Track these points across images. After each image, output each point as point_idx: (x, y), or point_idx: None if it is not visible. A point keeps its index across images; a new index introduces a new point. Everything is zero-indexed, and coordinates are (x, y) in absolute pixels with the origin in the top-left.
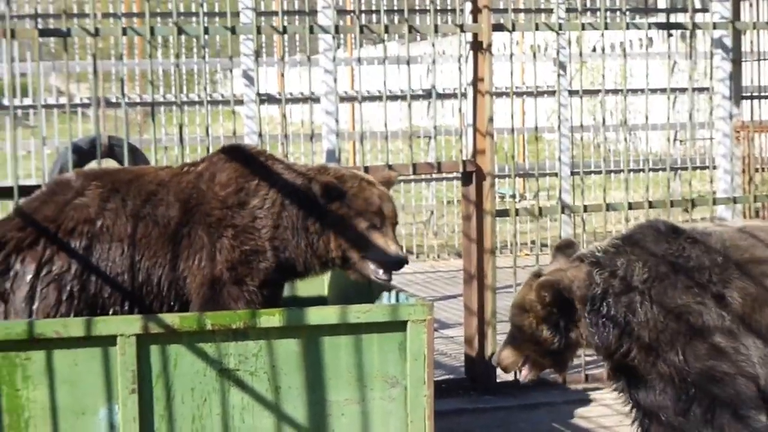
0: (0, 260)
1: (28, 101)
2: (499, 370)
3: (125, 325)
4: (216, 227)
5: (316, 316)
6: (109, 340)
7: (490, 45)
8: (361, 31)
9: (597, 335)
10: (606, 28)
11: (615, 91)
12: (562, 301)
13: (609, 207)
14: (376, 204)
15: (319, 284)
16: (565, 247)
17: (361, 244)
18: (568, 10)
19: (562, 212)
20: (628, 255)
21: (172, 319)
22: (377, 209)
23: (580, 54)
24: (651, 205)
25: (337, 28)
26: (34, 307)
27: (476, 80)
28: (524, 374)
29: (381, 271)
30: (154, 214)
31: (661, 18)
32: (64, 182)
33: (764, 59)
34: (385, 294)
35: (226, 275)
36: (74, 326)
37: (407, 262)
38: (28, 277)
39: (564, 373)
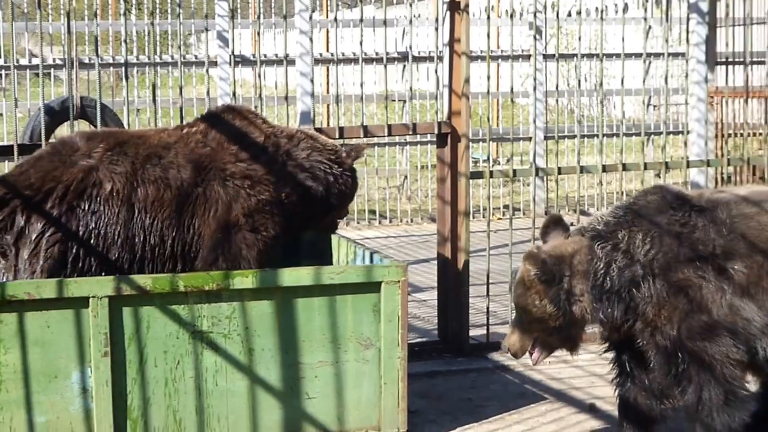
0: (6, 214)
1: (0, 63)
2: (472, 332)
3: (98, 287)
4: (232, 178)
5: (290, 277)
6: (82, 302)
7: (467, 5)
8: None
9: (602, 311)
10: None
11: (590, 56)
12: (555, 273)
13: (583, 170)
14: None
15: None
16: (554, 224)
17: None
18: None
19: (537, 175)
20: (630, 225)
21: (144, 280)
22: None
23: (557, 18)
24: (625, 167)
25: None
26: (39, 266)
27: (452, 41)
28: (535, 357)
29: None
30: (165, 176)
31: None
32: (68, 142)
33: (739, 25)
34: (359, 255)
35: (242, 221)
36: (46, 288)
37: None
38: (34, 235)
39: (576, 352)
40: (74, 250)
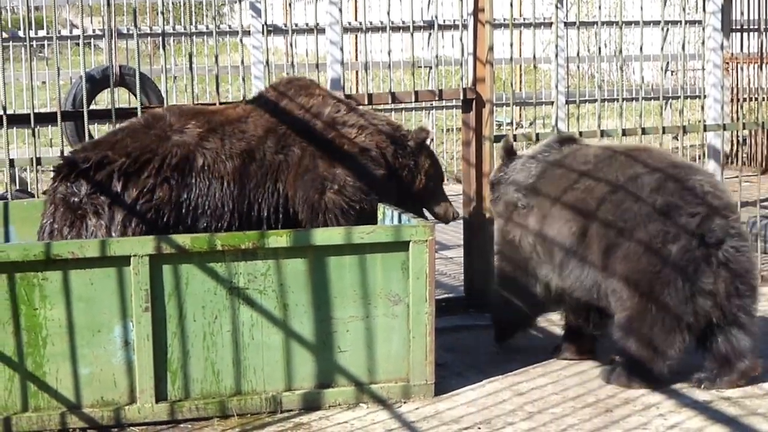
0: (104, 177)
1: (42, 33)
2: None
3: (139, 246)
4: (306, 141)
5: (322, 236)
6: (124, 261)
7: None
8: None
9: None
10: None
11: (610, 24)
12: (507, 152)
13: (603, 133)
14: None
15: None
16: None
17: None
18: None
19: None
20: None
21: (183, 239)
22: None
23: None
24: (644, 131)
25: None
26: (131, 229)
27: (477, 10)
28: None
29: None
30: (249, 149)
31: None
32: (158, 116)
33: None
34: (388, 215)
35: (329, 179)
36: (90, 247)
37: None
38: (129, 201)
39: None
40: (165, 219)
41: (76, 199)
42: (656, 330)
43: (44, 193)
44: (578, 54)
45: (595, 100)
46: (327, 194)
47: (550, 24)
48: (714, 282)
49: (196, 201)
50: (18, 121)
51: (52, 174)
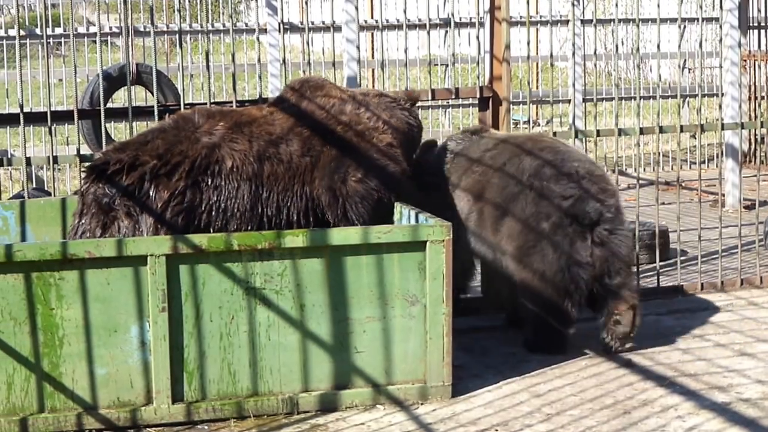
0: (135, 179)
1: (59, 31)
2: None
3: (155, 246)
4: (331, 143)
5: (339, 236)
6: (140, 260)
7: None
8: None
9: None
10: None
11: (627, 21)
12: None
13: (621, 131)
14: None
15: None
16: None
17: None
18: None
19: (576, 137)
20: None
21: (200, 239)
22: None
23: None
24: (662, 130)
25: None
26: (162, 232)
27: (493, 8)
28: None
29: None
30: (277, 152)
31: None
32: (188, 118)
33: None
34: (404, 215)
35: (353, 173)
36: (106, 246)
37: None
38: (159, 204)
39: None
40: (196, 222)
41: (108, 201)
42: (544, 298)
43: (75, 193)
44: (595, 52)
45: (612, 98)
46: (349, 182)
47: (567, 21)
48: (590, 255)
49: (226, 203)
50: (35, 119)
51: (83, 174)
